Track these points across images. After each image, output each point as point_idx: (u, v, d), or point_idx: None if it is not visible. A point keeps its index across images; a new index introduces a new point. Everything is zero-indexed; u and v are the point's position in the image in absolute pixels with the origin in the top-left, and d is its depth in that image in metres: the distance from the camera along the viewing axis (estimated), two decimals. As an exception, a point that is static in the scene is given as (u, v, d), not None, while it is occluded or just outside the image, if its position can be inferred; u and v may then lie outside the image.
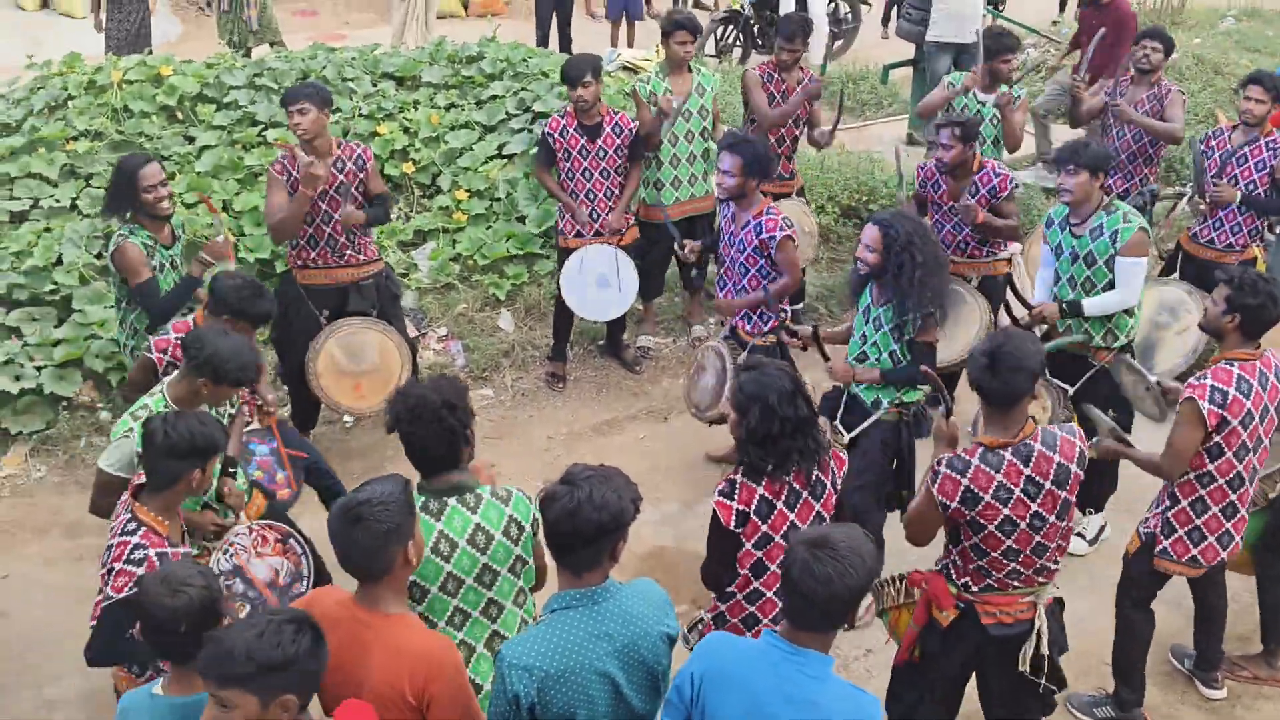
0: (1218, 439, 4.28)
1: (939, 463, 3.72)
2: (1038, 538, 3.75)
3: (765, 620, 3.76)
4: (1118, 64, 8.24)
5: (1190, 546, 4.47)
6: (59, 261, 6.80)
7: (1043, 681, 3.92)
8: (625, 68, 9.71)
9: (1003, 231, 6.00)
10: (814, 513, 3.74)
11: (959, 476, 3.65)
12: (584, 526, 2.89)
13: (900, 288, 4.73)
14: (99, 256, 6.82)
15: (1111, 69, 8.20)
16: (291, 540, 4.12)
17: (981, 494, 3.65)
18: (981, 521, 3.69)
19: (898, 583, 4.21)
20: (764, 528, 3.67)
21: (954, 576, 3.90)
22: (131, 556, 3.45)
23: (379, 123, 8.02)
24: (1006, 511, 3.67)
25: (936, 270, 4.78)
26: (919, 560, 4.20)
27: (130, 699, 3.11)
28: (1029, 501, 3.68)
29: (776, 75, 7.00)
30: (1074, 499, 3.78)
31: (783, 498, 3.68)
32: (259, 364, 4.51)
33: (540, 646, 2.93)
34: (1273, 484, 4.77)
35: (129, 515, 3.57)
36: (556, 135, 6.50)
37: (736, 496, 3.66)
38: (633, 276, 6.67)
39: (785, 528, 3.69)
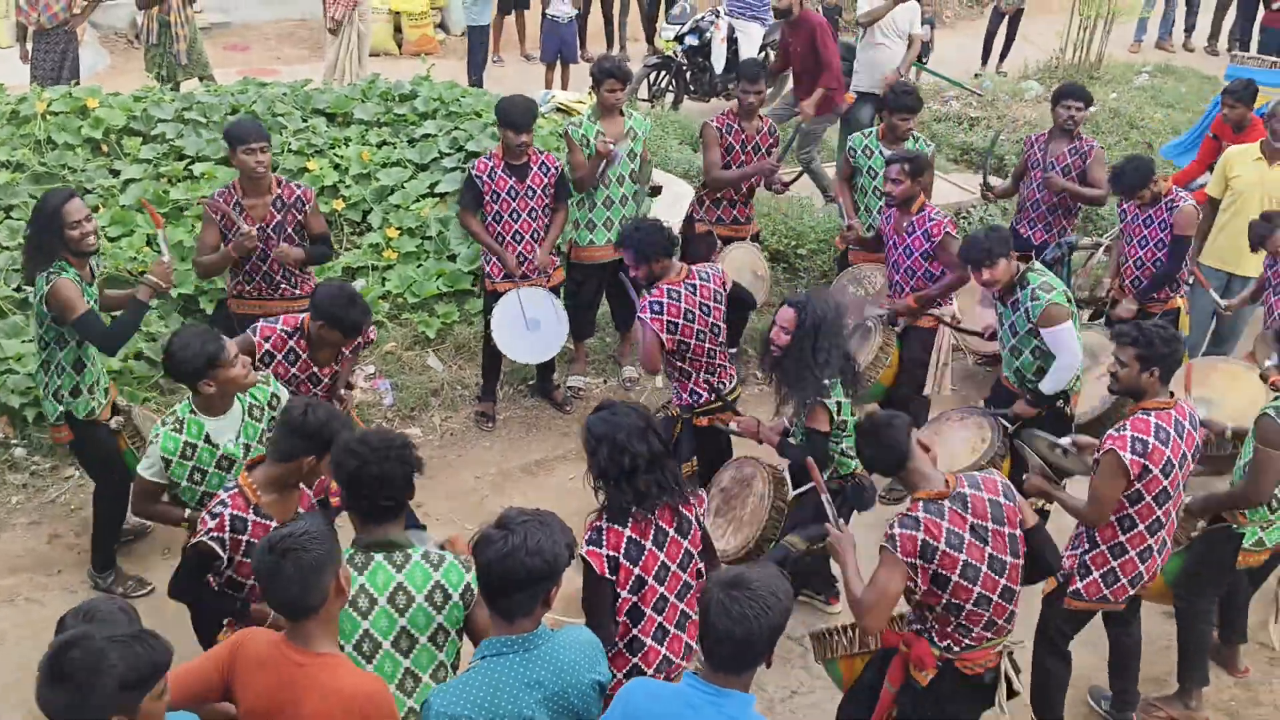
0: (1139, 486, 4.38)
1: (891, 526, 3.74)
2: (1003, 580, 3.81)
3: (650, 671, 3.69)
4: (830, 72, 8.39)
5: (1103, 588, 4.57)
6: (-25, 294, 6.65)
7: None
8: (559, 109, 9.75)
9: (939, 293, 6.15)
10: (683, 550, 3.73)
11: (914, 531, 3.70)
12: (517, 571, 2.87)
13: (798, 372, 4.75)
14: (18, 290, 6.66)
15: (825, 78, 8.39)
16: None
17: (936, 542, 3.69)
18: (944, 573, 3.72)
19: (849, 632, 4.21)
20: (636, 570, 3.62)
21: (935, 640, 3.92)
22: (213, 509, 3.76)
23: (309, 158, 7.95)
24: (964, 557, 3.72)
25: (836, 351, 4.83)
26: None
27: None
28: (981, 545, 3.75)
29: (737, 125, 7.10)
30: (1019, 533, 3.84)
31: (650, 537, 3.65)
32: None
33: (469, 694, 2.88)
34: (1194, 523, 4.88)
35: (233, 477, 3.90)
36: (485, 177, 6.47)
37: (605, 542, 3.60)
38: (563, 318, 6.69)
39: (657, 568, 3.66)
